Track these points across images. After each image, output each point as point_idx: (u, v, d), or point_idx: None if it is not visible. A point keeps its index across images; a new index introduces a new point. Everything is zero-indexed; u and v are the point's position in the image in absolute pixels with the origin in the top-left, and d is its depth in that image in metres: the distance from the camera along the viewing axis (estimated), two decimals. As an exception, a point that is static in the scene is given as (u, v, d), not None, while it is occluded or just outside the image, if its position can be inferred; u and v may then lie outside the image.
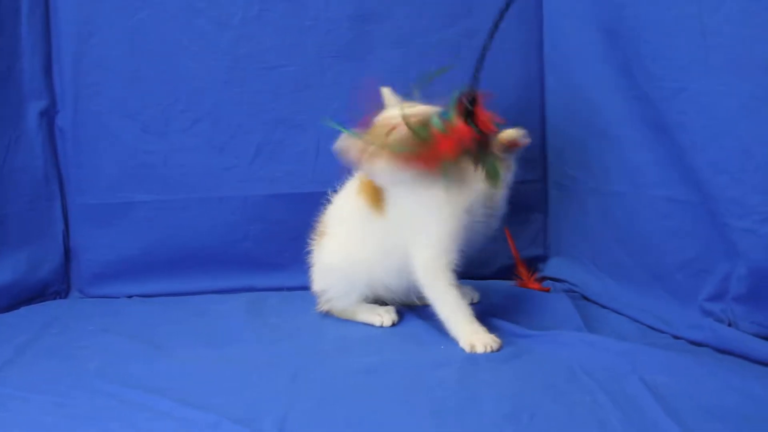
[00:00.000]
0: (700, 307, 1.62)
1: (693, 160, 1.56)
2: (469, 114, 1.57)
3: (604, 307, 1.84)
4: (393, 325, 1.78)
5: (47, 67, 2.10)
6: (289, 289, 2.08)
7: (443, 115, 1.58)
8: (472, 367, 1.50)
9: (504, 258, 2.09)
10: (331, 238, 1.83)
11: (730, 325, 1.55)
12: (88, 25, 2.05)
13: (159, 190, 2.10)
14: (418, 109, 1.62)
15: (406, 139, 1.57)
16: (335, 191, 1.86)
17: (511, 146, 1.71)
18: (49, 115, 2.12)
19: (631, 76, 1.70)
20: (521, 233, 2.11)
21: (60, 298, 2.15)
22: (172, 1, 2.05)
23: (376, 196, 1.72)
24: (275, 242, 2.10)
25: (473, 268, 2.05)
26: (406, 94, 1.68)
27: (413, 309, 1.85)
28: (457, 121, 1.57)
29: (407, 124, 1.56)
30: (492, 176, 1.61)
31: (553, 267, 2.10)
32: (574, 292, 1.96)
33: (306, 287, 1.91)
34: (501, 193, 1.72)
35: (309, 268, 1.88)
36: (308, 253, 1.88)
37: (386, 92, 1.70)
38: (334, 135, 1.84)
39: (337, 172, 1.85)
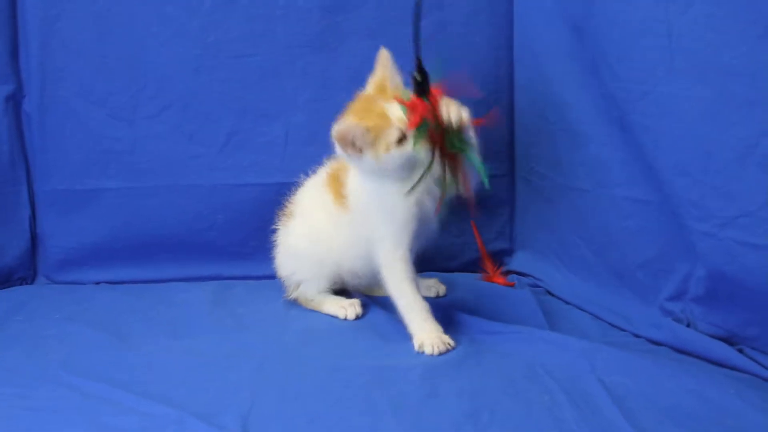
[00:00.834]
0: (660, 306, 1.66)
1: (656, 162, 1.57)
2: (421, 88, 1.56)
3: (567, 302, 1.86)
4: (357, 318, 1.79)
5: (13, 51, 2.07)
6: (256, 278, 2.07)
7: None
8: (434, 364, 1.52)
9: (470, 251, 2.11)
10: (299, 222, 1.83)
11: (688, 325, 1.58)
12: (54, 9, 2.01)
13: (126, 177, 2.08)
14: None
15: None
16: (307, 176, 1.87)
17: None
18: (15, 99, 2.09)
19: (597, 74, 1.70)
20: (487, 227, 2.12)
21: (26, 284, 2.14)
22: (141, -15, 2.02)
23: (340, 190, 1.73)
24: (242, 231, 2.10)
25: (440, 261, 2.09)
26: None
27: (378, 302, 1.85)
28: (412, 96, 1.57)
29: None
30: (456, 147, 1.60)
31: (519, 261, 2.11)
32: (539, 287, 1.98)
33: (272, 276, 1.92)
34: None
35: (274, 249, 1.89)
36: (275, 242, 1.89)
37: (384, 55, 1.67)
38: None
39: (306, 163, 1.87)
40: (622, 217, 1.73)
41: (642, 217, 1.68)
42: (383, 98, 1.61)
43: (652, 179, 1.61)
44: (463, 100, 1.61)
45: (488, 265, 2.04)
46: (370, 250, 1.69)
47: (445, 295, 1.93)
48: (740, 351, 1.48)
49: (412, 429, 1.28)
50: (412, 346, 1.60)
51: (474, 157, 1.61)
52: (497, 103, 2.06)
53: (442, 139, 1.57)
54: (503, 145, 2.10)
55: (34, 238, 2.16)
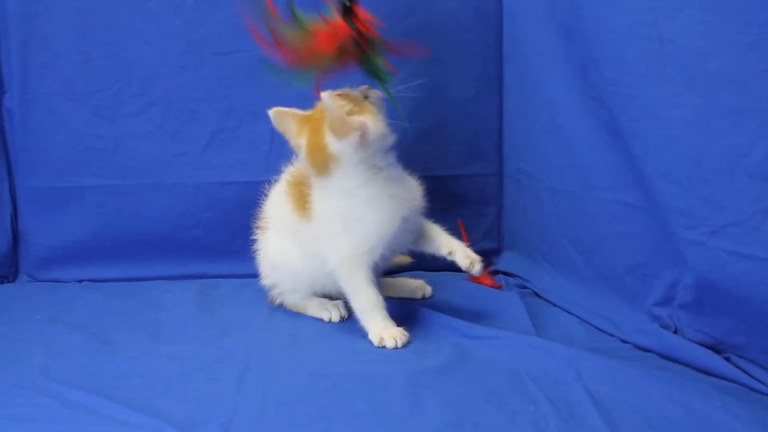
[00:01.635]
0: (647, 312, 1.64)
1: (644, 167, 1.56)
2: (347, 12, 1.55)
3: (554, 305, 1.85)
4: (342, 320, 1.78)
5: (-6, 47, 2.04)
6: (240, 276, 2.06)
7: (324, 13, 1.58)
8: (418, 370, 1.51)
9: (457, 251, 2.08)
10: (271, 235, 1.83)
11: (676, 331, 1.57)
12: (35, 5, 1.99)
13: (109, 175, 2.06)
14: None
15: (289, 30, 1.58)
16: (270, 183, 1.85)
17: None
18: (-5, 96, 2.06)
19: (587, 76, 1.69)
20: (475, 226, 2.11)
21: (7, 282, 2.12)
22: (125, -19, 1.99)
23: (301, 199, 1.72)
24: (227, 230, 2.09)
25: (426, 260, 2.07)
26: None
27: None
28: (336, 18, 1.56)
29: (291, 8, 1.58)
30: (376, 76, 1.61)
31: (506, 261, 2.10)
32: (526, 288, 1.97)
33: (257, 275, 1.89)
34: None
35: (257, 256, 1.87)
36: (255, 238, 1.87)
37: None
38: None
39: (291, 161, 1.84)
40: (610, 220, 1.72)
41: (630, 221, 1.67)
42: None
43: (641, 184, 1.59)
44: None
45: (475, 266, 2.02)
46: (328, 253, 1.68)
47: (431, 297, 1.92)
48: (727, 359, 1.47)
49: (395, 442, 1.27)
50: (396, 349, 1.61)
51: (391, 92, 1.64)
52: (486, 101, 2.05)
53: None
54: (492, 144, 2.09)
55: (15, 236, 2.13)
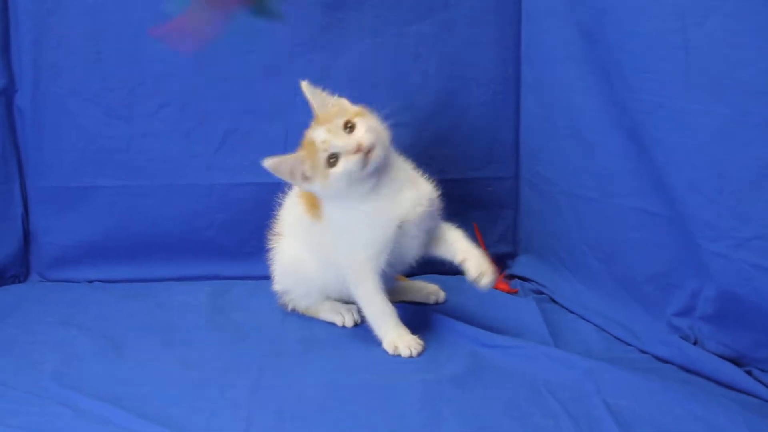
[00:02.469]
0: (667, 322, 1.62)
1: (667, 176, 1.53)
2: None
3: (571, 311, 1.82)
4: (355, 324, 1.76)
5: (5, 45, 2.01)
6: (254, 278, 2.03)
7: None
8: (434, 380, 1.48)
9: (473, 255, 2.06)
10: (285, 240, 1.80)
11: (696, 342, 1.55)
12: (47, 3, 1.95)
13: (122, 176, 2.04)
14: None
15: None
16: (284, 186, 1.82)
17: None
18: (7, 94, 2.03)
19: (609, 82, 1.65)
20: (491, 229, 2.09)
21: (18, 282, 2.10)
22: (138, -21, 1.96)
23: (313, 202, 1.69)
24: (240, 231, 2.06)
25: (440, 263, 2.04)
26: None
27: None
28: None
29: None
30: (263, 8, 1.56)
31: (522, 265, 2.07)
32: (542, 293, 1.94)
33: (270, 277, 1.87)
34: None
35: (270, 261, 1.85)
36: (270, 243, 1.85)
37: (305, 89, 1.64)
38: (303, 125, 1.80)
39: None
40: (630, 228, 1.69)
41: (651, 229, 1.64)
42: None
43: (663, 193, 1.56)
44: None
45: (491, 270, 2.00)
46: (339, 261, 1.65)
47: (444, 302, 1.89)
48: (748, 372, 1.45)
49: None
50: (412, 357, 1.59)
51: None
52: (503, 103, 2.02)
53: None
54: (508, 147, 2.06)
55: (27, 236, 2.11)
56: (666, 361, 1.55)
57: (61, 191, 2.05)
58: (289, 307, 1.83)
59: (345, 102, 1.66)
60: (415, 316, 1.77)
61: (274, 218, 1.84)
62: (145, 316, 1.83)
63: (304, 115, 1.86)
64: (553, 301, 1.90)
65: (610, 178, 1.72)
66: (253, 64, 1.98)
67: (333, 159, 1.55)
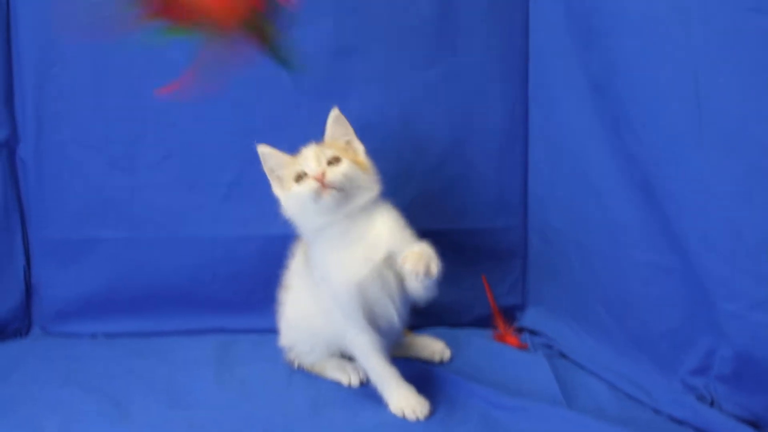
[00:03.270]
0: (682, 380, 1.57)
1: (680, 232, 1.50)
2: None
3: (582, 367, 1.78)
4: (361, 384, 1.72)
5: (8, 96, 2.00)
6: (260, 331, 1.99)
7: None
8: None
9: (481, 307, 2.03)
10: (291, 293, 1.78)
11: (712, 403, 1.50)
12: (50, 53, 1.95)
13: (125, 227, 2.01)
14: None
15: None
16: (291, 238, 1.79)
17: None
18: (9, 145, 2.02)
19: (618, 134, 1.63)
20: (499, 280, 2.05)
21: (20, 335, 2.06)
22: (140, 28, 1.94)
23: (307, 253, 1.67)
24: (245, 284, 2.03)
25: (448, 316, 2.02)
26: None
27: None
28: None
29: None
30: (280, 58, 1.49)
31: (531, 318, 2.03)
32: (552, 347, 1.90)
33: (276, 330, 1.84)
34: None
35: (278, 318, 1.82)
36: (278, 297, 1.81)
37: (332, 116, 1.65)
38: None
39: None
40: (642, 282, 1.65)
41: (663, 284, 1.60)
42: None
43: (676, 248, 1.53)
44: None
45: (500, 323, 1.96)
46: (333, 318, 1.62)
47: (450, 360, 1.84)
48: (768, 436, 1.41)
49: None
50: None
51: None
52: (511, 152, 2.00)
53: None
54: (517, 196, 2.03)
55: (29, 289, 2.08)
56: (681, 422, 1.51)
57: (64, 243, 2.03)
58: (296, 364, 1.79)
59: (357, 144, 1.65)
60: (423, 372, 1.73)
61: (281, 271, 1.81)
62: (149, 374, 1.79)
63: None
64: (564, 356, 1.85)
65: (621, 230, 1.69)
66: (259, 114, 1.97)
67: (300, 177, 1.56)
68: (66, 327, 2.06)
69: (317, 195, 1.52)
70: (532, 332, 1.99)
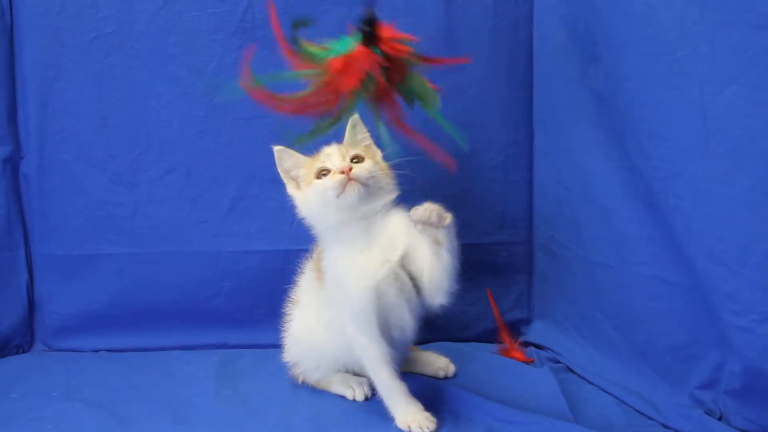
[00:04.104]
0: (690, 395, 1.56)
1: (687, 246, 1.49)
2: (368, 37, 1.37)
3: (589, 382, 1.77)
4: (366, 399, 1.70)
5: (11, 112, 2.00)
6: (262, 346, 1.99)
7: (340, 47, 1.40)
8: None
9: (486, 321, 2.02)
10: (298, 309, 1.76)
11: (720, 418, 1.49)
12: (53, 69, 1.95)
13: (128, 243, 2.01)
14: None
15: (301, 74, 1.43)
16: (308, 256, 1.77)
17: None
18: (12, 161, 2.02)
19: (623, 148, 1.63)
20: (504, 295, 2.05)
21: (22, 352, 2.06)
22: (144, 46, 1.96)
23: (319, 265, 1.66)
24: (248, 299, 2.02)
25: (453, 330, 2.01)
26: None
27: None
28: (355, 47, 1.38)
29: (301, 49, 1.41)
30: (419, 99, 1.48)
31: (537, 332, 2.02)
32: (558, 362, 1.89)
33: (279, 345, 1.82)
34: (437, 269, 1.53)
35: (283, 330, 1.80)
36: (282, 310, 1.79)
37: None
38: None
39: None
40: (648, 296, 1.64)
41: (669, 299, 1.59)
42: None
43: (682, 262, 1.52)
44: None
45: (505, 338, 1.96)
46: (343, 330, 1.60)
47: (455, 375, 1.83)
48: (777, 451, 1.40)
49: None
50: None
51: (442, 118, 1.49)
52: (516, 167, 1.99)
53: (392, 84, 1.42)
54: (522, 211, 2.03)
55: (31, 304, 2.08)
56: (689, 437, 1.50)
57: (66, 259, 2.03)
58: (300, 380, 1.78)
59: (374, 149, 1.65)
60: (429, 388, 1.72)
61: (284, 286, 1.80)
62: (151, 389, 1.78)
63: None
64: (570, 370, 1.84)
65: (627, 244, 1.68)
66: (261, 129, 1.96)
67: (323, 174, 1.56)
68: (68, 342, 2.05)
69: (341, 187, 1.51)
70: (538, 347, 1.98)
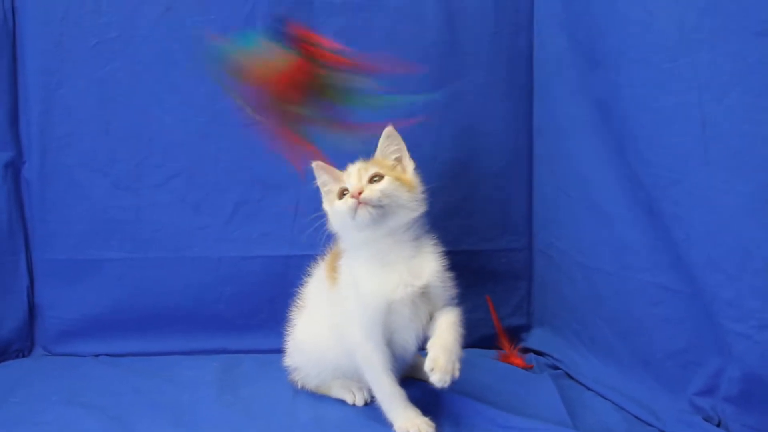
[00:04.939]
0: (689, 401, 1.56)
1: (687, 253, 1.49)
2: (280, 35, 1.44)
3: (588, 388, 1.77)
4: (366, 404, 1.71)
5: (13, 117, 2.01)
6: (264, 351, 1.99)
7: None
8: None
9: (486, 327, 2.03)
10: (303, 315, 1.76)
11: (719, 424, 1.49)
12: (56, 75, 1.97)
13: (129, 248, 2.02)
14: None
15: None
16: (316, 261, 1.77)
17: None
18: (14, 166, 2.03)
19: (623, 155, 1.63)
20: (504, 301, 2.06)
21: (23, 356, 2.06)
22: (147, 51, 1.97)
23: (334, 266, 1.66)
24: (250, 304, 2.03)
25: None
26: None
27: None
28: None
29: None
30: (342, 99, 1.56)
31: (536, 338, 2.03)
32: (557, 368, 1.89)
33: (280, 350, 1.83)
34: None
35: (285, 334, 1.80)
36: (283, 315, 1.79)
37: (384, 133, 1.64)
38: (314, 197, 1.78)
39: (317, 235, 1.78)
40: (648, 303, 1.65)
41: (669, 305, 1.60)
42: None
43: (682, 269, 1.53)
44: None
45: (505, 344, 1.96)
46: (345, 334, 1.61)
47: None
48: (776, 457, 1.40)
49: None
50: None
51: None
52: (516, 174, 2.00)
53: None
54: (521, 217, 2.04)
55: (32, 309, 2.08)
56: (689, 443, 1.50)
57: (68, 264, 2.03)
58: (299, 385, 1.78)
59: (407, 161, 1.65)
60: (429, 393, 1.71)
61: (286, 291, 1.80)
62: (153, 393, 1.78)
63: (315, 186, 1.85)
64: (570, 376, 1.84)
65: (627, 251, 1.69)
66: (263, 135, 1.96)
67: (344, 193, 1.57)
68: (69, 347, 2.05)
69: (352, 211, 1.52)
70: (538, 353, 1.99)
